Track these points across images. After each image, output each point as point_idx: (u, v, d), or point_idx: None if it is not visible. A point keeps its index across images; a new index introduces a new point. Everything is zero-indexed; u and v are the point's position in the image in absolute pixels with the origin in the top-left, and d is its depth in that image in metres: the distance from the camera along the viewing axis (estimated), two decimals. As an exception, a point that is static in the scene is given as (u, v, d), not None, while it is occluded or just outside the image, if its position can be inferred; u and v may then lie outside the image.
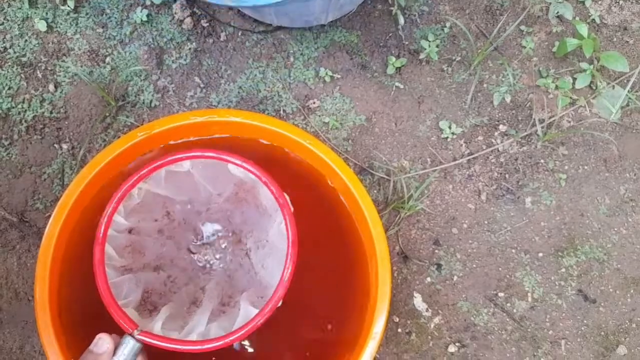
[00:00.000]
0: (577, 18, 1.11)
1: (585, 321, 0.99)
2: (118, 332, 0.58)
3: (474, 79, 1.07)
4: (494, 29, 1.09)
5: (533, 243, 1.02)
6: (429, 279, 0.99)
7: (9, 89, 1.01)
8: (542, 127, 1.04)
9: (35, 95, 1.01)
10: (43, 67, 1.03)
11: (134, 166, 0.75)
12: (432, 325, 0.97)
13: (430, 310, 0.98)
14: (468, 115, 1.06)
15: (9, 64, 1.02)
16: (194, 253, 0.82)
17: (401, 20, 1.07)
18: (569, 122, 1.07)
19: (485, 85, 1.08)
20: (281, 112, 1.04)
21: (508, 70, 1.07)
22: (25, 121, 1.00)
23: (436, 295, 0.99)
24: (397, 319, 0.97)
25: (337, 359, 0.74)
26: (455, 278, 0.99)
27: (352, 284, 0.79)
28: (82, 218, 0.71)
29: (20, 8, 1.05)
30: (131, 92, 1.03)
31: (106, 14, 1.06)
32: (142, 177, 0.64)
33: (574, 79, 1.07)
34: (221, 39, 1.06)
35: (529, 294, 1.00)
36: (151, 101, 1.03)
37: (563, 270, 1.01)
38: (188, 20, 1.05)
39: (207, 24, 1.06)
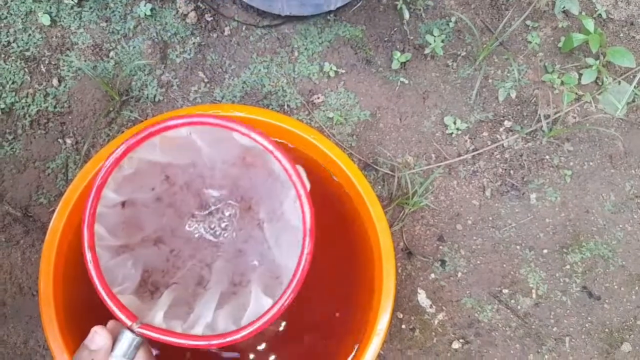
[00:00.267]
0: (584, 13, 1.10)
1: (589, 318, 0.99)
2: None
3: (479, 74, 1.06)
4: (499, 24, 1.08)
5: (538, 239, 1.01)
6: (433, 275, 0.99)
7: (13, 83, 1.01)
8: (548, 123, 1.04)
9: (39, 90, 1.01)
10: (47, 62, 1.03)
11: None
12: (436, 322, 0.97)
13: (434, 306, 0.98)
14: (473, 110, 1.05)
15: (13, 58, 1.02)
16: (198, 221, 0.74)
17: (406, 15, 1.06)
18: (575, 118, 1.06)
19: (490, 81, 1.07)
20: (285, 107, 1.03)
21: (513, 66, 1.07)
22: (29, 116, 1.00)
23: (440, 292, 0.98)
24: (401, 315, 0.97)
25: (341, 356, 0.74)
26: (459, 274, 0.99)
27: (356, 280, 0.79)
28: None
29: (23, 2, 1.04)
30: (135, 86, 1.02)
31: (110, 8, 1.05)
32: (130, 148, 0.56)
33: (580, 75, 1.07)
34: (225, 34, 1.06)
35: (534, 291, 0.99)
36: (155, 96, 1.02)
37: (568, 266, 1.01)
38: (192, 14, 1.05)
39: (211, 18, 1.06)
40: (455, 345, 0.96)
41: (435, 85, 1.06)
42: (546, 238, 1.01)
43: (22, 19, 1.04)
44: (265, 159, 0.58)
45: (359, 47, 1.07)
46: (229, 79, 1.04)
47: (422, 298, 0.98)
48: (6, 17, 1.04)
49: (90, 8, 1.05)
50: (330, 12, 1.06)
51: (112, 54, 1.04)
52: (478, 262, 1.00)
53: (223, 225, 0.74)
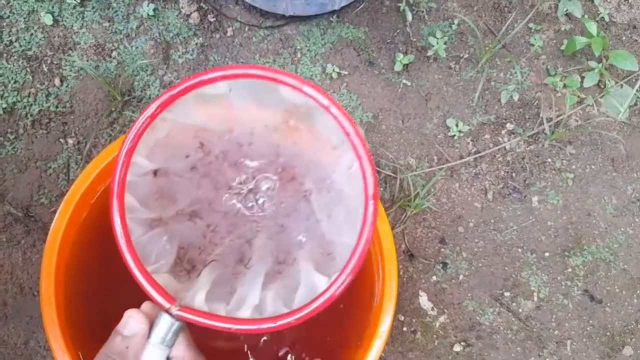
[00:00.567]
0: (586, 16, 1.10)
1: (591, 321, 0.99)
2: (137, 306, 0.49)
3: (481, 77, 1.06)
4: (502, 27, 1.08)
5: (539, 242, 1.01)
6: (434, 278, 0.99)
7: (15, 82, 1.01)
8: (550, 126, 1.04)
9: (41, 90, 1.01)
10: (49, 61, 1.02)
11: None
12: (438, 324, 0.97)
13: (435, 309, 0.98)
14: (475, 113, 1.05)
15: (15, 57, 1.02)
16: (235, 194, 0.67)
17: (409, 17, 1.06)
18: (577, 121, 1.06)
19: (492, 83, 1.07)
20: (287, 108, 1.03)
21: (516, 68, 1.07)
22: (31, 115, 1.00)
23: (442, 294, 0.98)
24: (402, 318, 0.97)
25: (343, 358, 0.73)
26: (461, 277, 0.99)
27: (358, 282, 0.79)
28: (88, 213, 0.71)
29: (26, 1, 1.04)
30: (137, 86, 1.02)
31: (112, 8, 1.05)
32: (164, 104, 0.48)
33: (582, 78, 1.07)
34: (228, 34, 1.06)
35: (535, 294, 0.99)
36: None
37: (569, 270, 1.00)
38: (195, 15, 1.05)
39: (214, 18, 1.06)
40: (457, 348, 0.96)
41: (438, 87, 1.06)
42: (548, 241, 1.01)
43: (24, 18, 1.04)
44: (313, 120, 0.52)
45: (362, 49, 1.07)
46: (231, 79, 1.04)
47: (424, 300, 0.98)
48: (8, 17, 1.04)
49: (93, 8, 1.05)
50: (333, 13, 1.06)
51: (114, 54, 1.04)
52: (480, 264, 1.00)
53: (262, 198, 0.67)
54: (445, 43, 1.06)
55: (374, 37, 1.07)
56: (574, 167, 1.04)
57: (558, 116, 1.05)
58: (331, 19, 1.07)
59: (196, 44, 1.05)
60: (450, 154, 1.03)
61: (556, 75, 1.07)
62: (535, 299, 0.99)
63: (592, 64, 1.06)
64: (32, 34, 1.03)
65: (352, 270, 0.47)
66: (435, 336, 0.97)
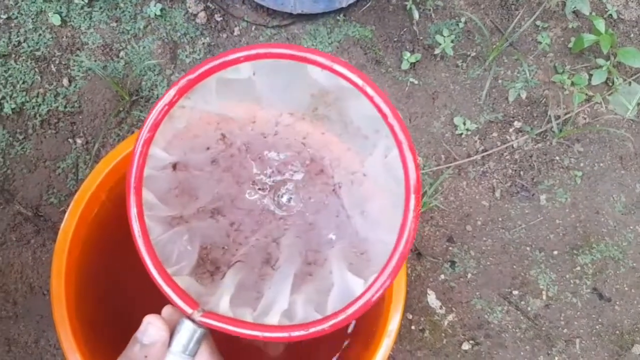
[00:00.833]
0: (594, 13, 1.10)
1: (600, 320, 0.99)
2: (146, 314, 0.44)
3: (488, 75, 1.06)
4: (509, 24, 1.08)
5: (548, 241, 1.01)
6: (442, 276, 0.99)
7: (23, 83, 1.01)
8: (558, 124, 1.03)
9: (50, 90, 1.02)
10: (57, 62, 1.03)
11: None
12: (446, 323, 0.97)
13: (444, 307, 0.97)
14: (483, 111, 1.05)
15: (23, 58, 1.03)
16: (260, 190, 0.62)
17: (416, 15, 1.06)
18: (585, 118, 1.06)
19: (500, 81, 1.07)
20: (294, 107, 1.03)
21: (523, 66, 1.06)
22: (40, 115, 1.00)
23: (450, 293, 0.98)
24: (410, 316, 0.97)
25: (351, 357, 0.73)
26: (469, 275, 0.99)
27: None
28: (98, 212, 0.71)
29: (34, 2, 1.05)
30: (145, 86, 1.03)
31: (120, 8, 1.05)
32: (184, 89, 0.44)
33: (590, 75, 1.06)
34: (235, 34, 1.06)
35: (544, 292, 0.99)
36: (165, 96, 1.02)
37: (578, 268, 1.00)
38: (202, 14, 1.05)
39: (221, 18, 1.06)
40: (465, 346, 0.96)
41: (445, 85, 1.06)
42: (556, 239, 1.01)
43: (32, 19, 1.04)
44: (343, 107, 0.48)
45: (369, 48, 1.06)
46: (238, 79, 1.04)
47: (432, 299, 0.98)
48: (17, 17, 1.04)
49: (101, 8, 1.05)
50: (339, 12, 1.06)
51: (122, 54, 1.04)
52: (488, 263, 0.99)
53: (288, 194, 0.63)
54: (452, 41, 1.06)
55: (381, 36, 1.07)
56: (582, 165, 1.04)
57: (566, 114, 1.04)
58: (338, 17, 1.07)
59: (203, 43, 1.05)
60: (458, 153, 1.03)
61: (564, 73, 1.07)
62: (544, 297, 0.99)
63: (600, 61, 1.06)
64: (40, 35, 1.04)
65: (392, 272, 0.42)
66: (443, 335, 0.97)
